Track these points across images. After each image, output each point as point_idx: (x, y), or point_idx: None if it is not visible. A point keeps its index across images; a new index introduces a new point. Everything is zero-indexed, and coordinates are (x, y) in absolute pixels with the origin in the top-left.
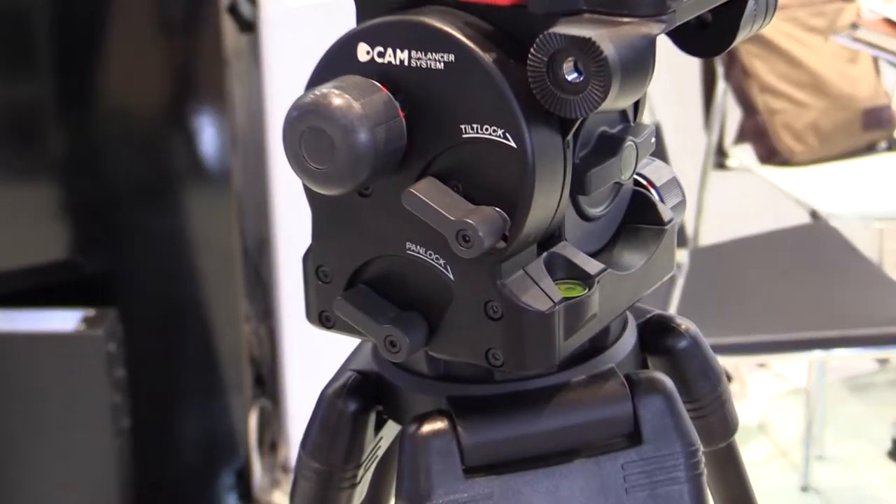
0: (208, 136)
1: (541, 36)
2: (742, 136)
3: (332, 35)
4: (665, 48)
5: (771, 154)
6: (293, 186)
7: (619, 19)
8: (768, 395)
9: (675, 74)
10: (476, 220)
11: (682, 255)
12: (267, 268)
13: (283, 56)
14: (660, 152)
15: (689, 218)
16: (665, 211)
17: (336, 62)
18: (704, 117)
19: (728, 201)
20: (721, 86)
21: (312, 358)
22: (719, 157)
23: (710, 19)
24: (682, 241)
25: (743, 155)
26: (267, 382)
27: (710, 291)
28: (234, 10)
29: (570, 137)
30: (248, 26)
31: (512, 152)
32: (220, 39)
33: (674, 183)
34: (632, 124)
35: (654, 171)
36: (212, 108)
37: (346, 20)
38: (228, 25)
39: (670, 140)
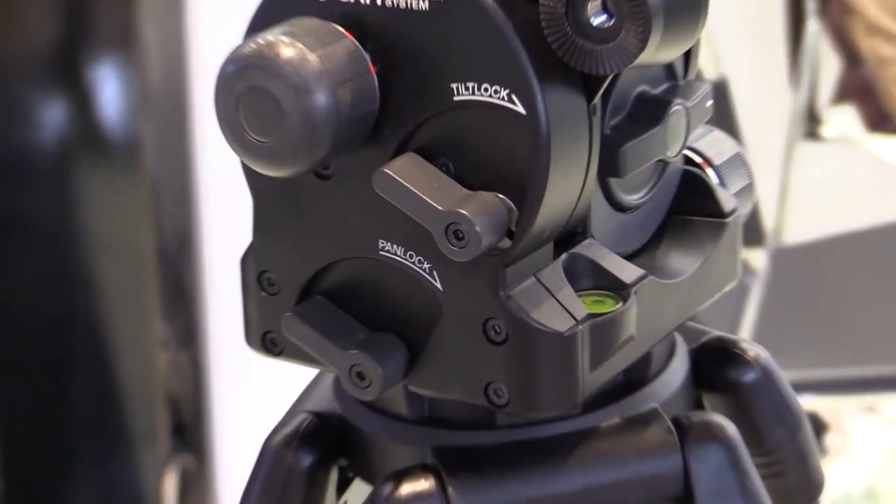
0: (109, 94)
1: None
2: (842, 95)
3: None
4: None
5: (881, 119)
6: (226, 163)
7: None
8: (879, 450)
9: (747, 11)
10: (472, 211)
11: (757, 258)
12: (190, 274)
13: None
14: (726, 118)
15: (768, 206)
16: (726, 198)
17: (287, 1)
18: (790, 69)
19: (823, 183)
20: (813, 26)
21: (252, 396)
22: (811, 124)
23: None
24: (757, 237)
25: (843, 120)
26: (190, 431)
27: (796, 307)
28: None
29: (597, 100)
30: None
31: (519, 120)
32: None
33: (738, 160)
34: (681, 82)
35: (712, 144)
36: (114, 56)
37: None
38: None
39: (742, 101)
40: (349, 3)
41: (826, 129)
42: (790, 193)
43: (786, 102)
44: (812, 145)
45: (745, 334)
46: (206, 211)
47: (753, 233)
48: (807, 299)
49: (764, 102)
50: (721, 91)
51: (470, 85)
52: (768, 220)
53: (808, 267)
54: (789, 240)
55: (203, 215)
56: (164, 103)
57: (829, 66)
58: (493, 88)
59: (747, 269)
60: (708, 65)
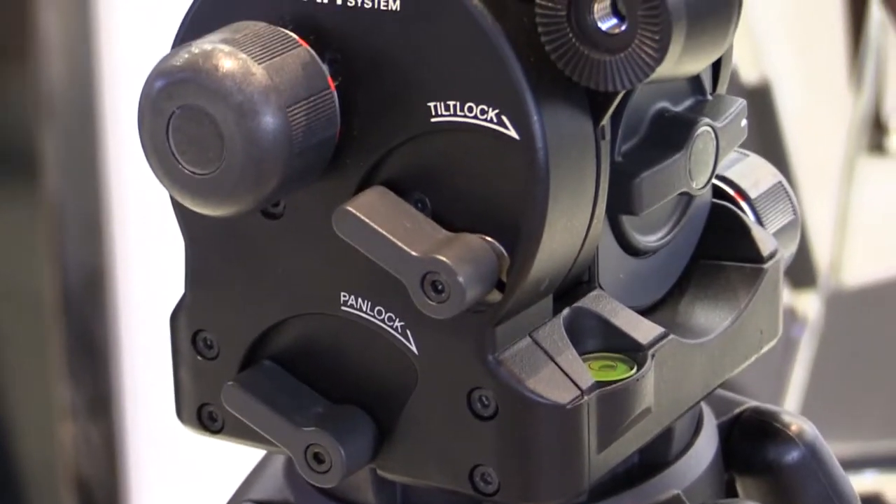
0: (2, 102)
1: None
2: None
3: None
4: None
5: None
6: (146, 187)
7: None
8: None
9: None
10: (453, 257)
11: (809, 303)
12: (101, 324)
13: None
14: (769, 130)
15: (822, 237)
16: (764, 238)
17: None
18: (849, 68)
19: (891, 208)
20: (877, 15)
21: (179, 480)
22: (876, 135)
23: None
24: (808, 277)
25: None
26: None
27: (857, 364)
28: None
29: (606, 122)
30: None
31: (511, 146)
32: None
33: (779, 192)
34: (709, 97)
35: (747, 172)
36: (6, 55)
37: None
38: None
39: (789, 108)
40: (303, 1)
41: (894, 141)
42: (850, 221)
43: (845, 109)
44: (877, 161)
45: (792, 400)
46: (121, 245)
47: (803, 272)
48: (869, 355)
49: (817, 109)
50: (763, 97)
51: (451, 104)
52: (822, 256)
53: (871, 315)
54: (849, 281)
55: (117, 251)
56: (68, 112)
57: None
58: (480, 108)
59: (795, 318)
60: (746, 64)
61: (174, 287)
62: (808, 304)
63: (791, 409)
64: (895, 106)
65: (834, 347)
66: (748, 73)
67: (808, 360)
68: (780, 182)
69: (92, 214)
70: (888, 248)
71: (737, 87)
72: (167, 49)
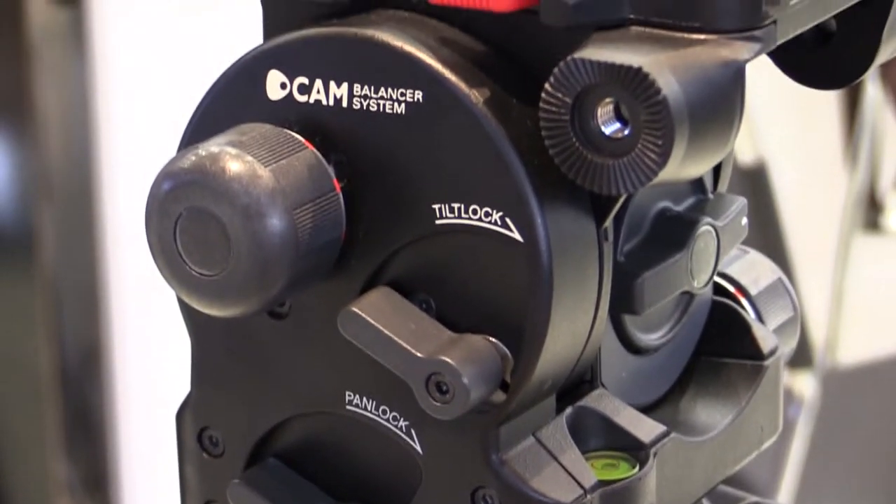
0: (0, 174)
1: (562, 63)
2: None
3: (212, 19)
4: None
5: None
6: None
7: (687, 36)
8: None
9: None
10: (458, 359)
11: (805, 383)
12: (98, 399)
13: (127, 45)
14: (766, 210)
15: (818, 315)
16: (765, 336)
17: (232, 101)
18: (844, 145)
19: (887, 286)
20: (872, 92)
21: None
22: (871, 213)
23: (833, 28)
24: (803, 357)
25: None
26: None
27: (856, 446)
28: None
29: (608, 223)
30: None
31: (515, 248)
32: (21, 12)
33: (779, 288)
34: (710, 196)
35: (747, 269)
36: (7, 128)
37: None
38: None
39: (785, 185)
40: (308, 104)
41: (890, 219)
42: (846, 299)
43: (839, 186)
44: (873, 239)
45: (788, 483)
46: (118, 321)
47: (799, 351)
48: (866, 434)
49: (812, 187)
50: (759, 177)
51: (455, 206)
52: (818, 335)
53: (869, 395)
54: (845, 360)
55: (114, 327)
56: (66, 186)
57: (892, 143)
58: (484, 210)
59: (792, 399)
60: (744, 144)
61: (171, 364)
62: (805, 385)
63: (789, 489)
64: (891, 184)
65: (831, 427)
66: (744, 155)
67: (804, 440)
68: (779, 278)
69: (89, 290)
70: (884, 327)
71: (733, 169)
72: (165, 127)
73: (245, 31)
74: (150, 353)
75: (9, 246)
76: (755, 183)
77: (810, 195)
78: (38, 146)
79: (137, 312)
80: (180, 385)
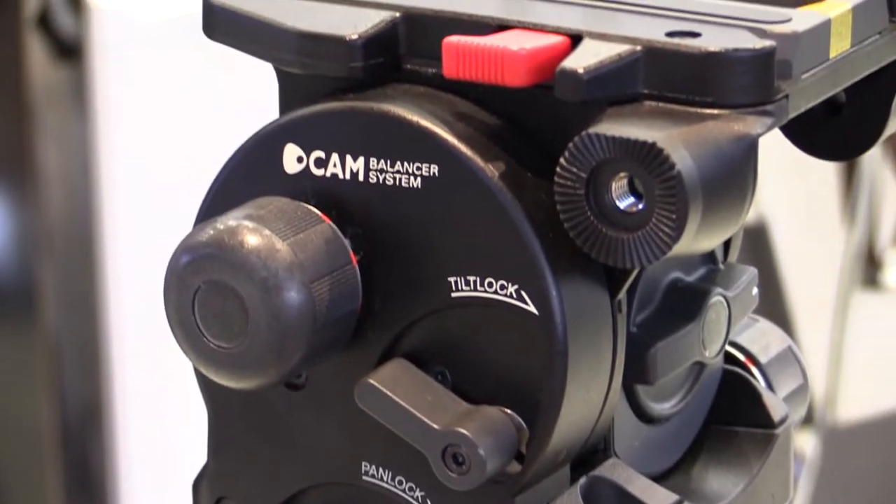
0: (1, 232)
1: (577, 138)
2: None
3: (214, 77)
4: None
5: None
6: (144, 320)
7: (700, 111)
8: None
9: None
10: (474, 430)
11: (805, 441)
12: (99, 458)
13: (128, 103)
14: (767, 268)
15: (818, 372)
16: (775, 404)
17: (249, 174)
18: (842, 202)
19: (887, 343)
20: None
21: None
22: (869, 269)
23: (843, 100)
24: (806, 416)
25: None
26: None
27: (856, 502)
28: (45, 24)
29: (622, 295)
30: (70, 50)
31: (530, 321)
32: (22, 72)
33: (789, 357)
34: (720, 266)
35: (757, 337)
36: (8, 186)
37: (240, 57)
38: (37, 48)
39: (784, 244)
40: (325, 177)
41: (889, 276)
42: (846, 356)
43: (838, 244)
44: (872, 295)
45: None
46: (119, 378)
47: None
48: (869, 493)
49: (811, 243)
50: (760, 235)
51: (471, 279)
52: (818, 391)
53: (870, 451)
54: (845, 416)
55: (115, 384)
56: (67, 244)
57: (891, 199)
58: (500, 283)
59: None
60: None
61: (171, 422)
62: (805, 442)
63: None
64: (889, 240)
65: (831, 484)
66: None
67: (806, 498)
68: (789, 346)
69: (90, 347)
70: (883, 383)
71: None
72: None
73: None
74: (150, 411)
75: (10, 303)
76: (755, 240)
77: (810, 252)
78: (39, 204)
79: (138, 370)
80: (180, 444)
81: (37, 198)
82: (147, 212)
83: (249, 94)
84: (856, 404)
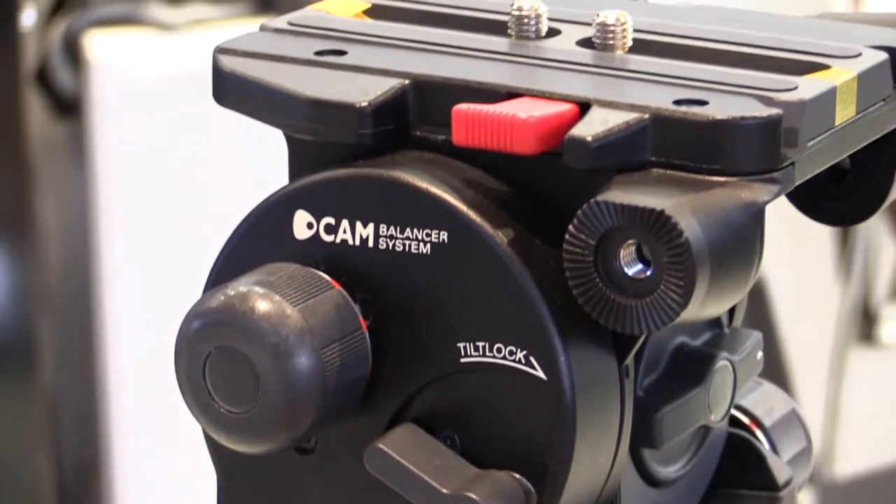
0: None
1: (585, 206)
2: None
3: (214, 131)
4: None
5: None
6: (141, 376)
7: (708, 178)
8: None
9: None
10: (483, 495)
11: (804, 497)
12: None
13: (126, 158)
14: (766, 324)
15: (815, 428)
16: (779, 467)
17: (259, 240)
18: (837, 258)
19: (884, 399)
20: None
21: None
22: (865, 325)
23: (847, 166)
24: None
25: None
26: None
27: None
28: (44, 80)
29: (629, 361)
30: (69, 105)
31: (539, 387)
32: (21, 127)
33: (793, 419)
34: (726, 331)
35: (761, 400)
36: (7, 241)
37: (240, 115)
38: (35, 105)
39: (781, 299)
40: (335, 243)
41: (885, 331)
42: (843, 412)
43: (834, 299)
44: (868, 352)
45: None
46: (117, 435)
47: None
48: None
49: (808, 299)
50: (757, 291)
51: (480, 344)
52: (815, 446)
53: None
54: (842, 471)
55: (113, 440)
56: (65, 299)
57: (886, 255)
58: (508, 349)
59: None
60: None
61: (167, 481)
62: (803, 498)
63: None
64: (885, 296)
65: None
66: None
67: None
68: (793, 409)
69: (87, 405)
70: (881, 438)
71: None
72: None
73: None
74: (147, 468)
75: (8, 359)
76: (752, 296)
77: (806, 307)
78: (38, 260)
79: (135, 427)
80: (176, 502)
81: (35, 253)
82: (145, 268)
83: (249, 149)
84: (853, 459)
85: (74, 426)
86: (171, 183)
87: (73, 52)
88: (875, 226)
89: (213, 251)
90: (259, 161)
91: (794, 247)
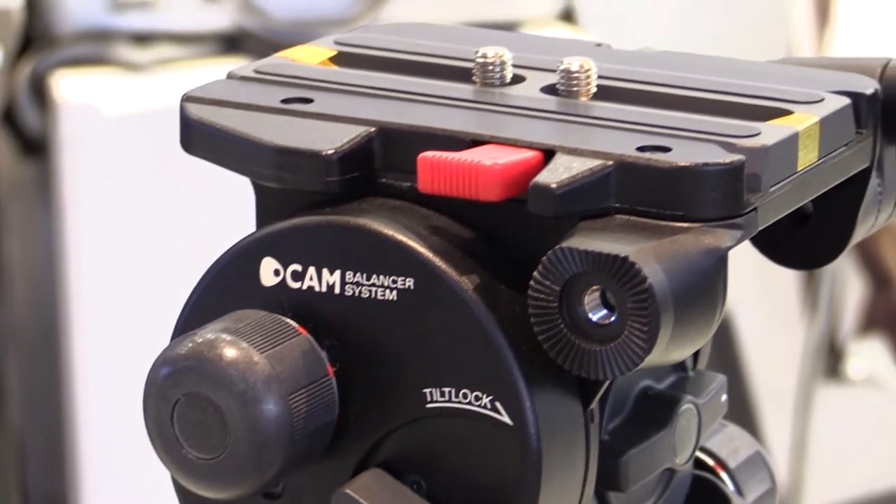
0: None
1: (550, 252)
2: (869, 326)
3: (181, 171)
4: None
5: None
6: (110, 413)
7: (671, 224)
8: None
9: None
10: None
11: None
12: None
13: (96, 199)
14: (731, 361)
15: (782, 462)
16: None
17: (226, 287)
18: (803, 295)
19: (848, 435)
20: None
21: None
22: (831, 361)
23: (810, 210)
24: None
25: (870, 355)
26: None
27: None
28: (11, 120)
29: (594, 405)
30: (37, 146)
31: (504, 432)
32: None
33: (757, 461)
34: (690, 374)
35: (726, 442)
36: None
37: None
38: (2, 145)
39: (746, 335)
40: (302, 290)
41: (850, 367)
42: (810, 447)
43: (799, 336)
44: (834, 387)
45: None
46: (85, 474)
47: None
48: None
49: (773, 334)
50: (724, 329)
51: (446, 390)
52: (782, 482)
53: None
54: None
55: (82, 479)
56: (33, 339)
57: (852, 291)
58: (474, 394)
59: None
60: None
61: None
62: None
63: None
64: (850, 332)
65: None
66: None
67: None
68: (757, 451)
69: (55, 444)
70: (847, 473)
71: None
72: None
73: (212, 186)
74: None
75: None
76: (718, 332)
77: (772, 343)
78: (5, 299)
79: (104, 466)
80: None
81: (2, 293)
82: (112, 308)
83: (217, 189)
84: (821, 495)
85: (43, 465)
86: (138, 223)
87: (39, 92)
88: (841, 262)
89: (181, 291)
90: (228, 201)
91: (759, 283)
